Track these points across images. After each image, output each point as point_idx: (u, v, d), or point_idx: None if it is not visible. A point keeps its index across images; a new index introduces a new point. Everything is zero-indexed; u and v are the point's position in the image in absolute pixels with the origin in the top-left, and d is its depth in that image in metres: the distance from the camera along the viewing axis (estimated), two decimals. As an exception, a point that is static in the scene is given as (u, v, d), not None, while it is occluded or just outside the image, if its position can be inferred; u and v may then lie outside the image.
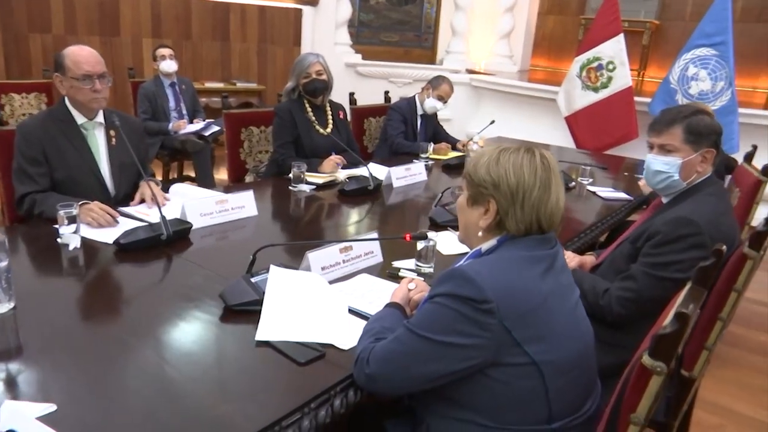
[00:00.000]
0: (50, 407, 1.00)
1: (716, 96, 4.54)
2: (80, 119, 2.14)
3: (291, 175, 2.57)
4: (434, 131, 3.92)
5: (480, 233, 1.20)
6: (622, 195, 2.87)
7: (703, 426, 2.29)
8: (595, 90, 5.11)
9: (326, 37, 7.13)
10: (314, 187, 2.58)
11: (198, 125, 4.39)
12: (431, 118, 3.90)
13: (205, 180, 4.16)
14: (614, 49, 4.97)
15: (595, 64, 5.09)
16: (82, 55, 2.06)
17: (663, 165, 1.74)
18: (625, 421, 0.93)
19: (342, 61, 7.16)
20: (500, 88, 6.45)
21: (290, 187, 2.56)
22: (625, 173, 3.36)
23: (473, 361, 1.06)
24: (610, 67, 5.02)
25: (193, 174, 4.46)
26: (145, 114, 4.32)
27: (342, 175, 2.73)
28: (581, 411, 1.16)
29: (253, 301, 1.38)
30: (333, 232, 2.22)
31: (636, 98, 5.07)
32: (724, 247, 1.23)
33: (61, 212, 1.74)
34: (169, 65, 4.37)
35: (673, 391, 1.67)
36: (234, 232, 2.03)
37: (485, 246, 1.19)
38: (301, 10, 6.81)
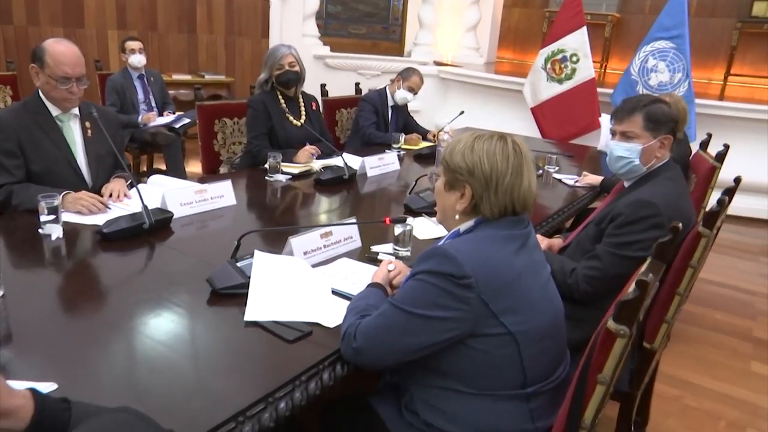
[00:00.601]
0: (51, 386, 1.04)
1: (674, 87, 4.73)
2: (55, 111, 2.14)
3: (267, 166, 2.61)
4: (405, 122, 3.99)
5: (457, 216, 1.28)
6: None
7: (664, 397, 2.43)
8: (560, 81, 5.26)
9: (294, 28, 7.12)
10: (290, 176, 2.63)
11: (168, 118, 4.37)
12: (402, 109, 3.97)
13: (176, 172, 4.14)
14: (578, 42, 5.12)
15: (559, 56, 5.23)
16: (65, 56, 2.04)
17: (624, 151, 1.85)
18: (593, 381, 1.02)
19: (311, 53, 7.16)
20: (468, 80, 6.56)
21: (266, 177, 2.60)
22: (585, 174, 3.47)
23: (454, 333, 1.14)
24: (574, 59, 5.16)
25: (163, 167, 4.44)
26: (114, 107, 4.26)
27: (317, 165, 2.78)
28: (553, 377, 1.25)
29: (240, 284, 1.43)
30: (310, 220, 2.27)
31: (599, 89, 5.23)
32: (681, 225, 1.33)
33: (42, 203, 1.75)
34: (138, 59, 4.33)
35: (636, 363, 1.79)
36: (214, 221, 2.07)
37: (463, 227, 1.27)
38: (268, 1, 6.77)
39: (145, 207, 1.83)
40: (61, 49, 2.06)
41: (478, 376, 1.18)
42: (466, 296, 1.12)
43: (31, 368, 1.14)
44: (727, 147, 2.75)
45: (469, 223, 1.26)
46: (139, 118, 4.30)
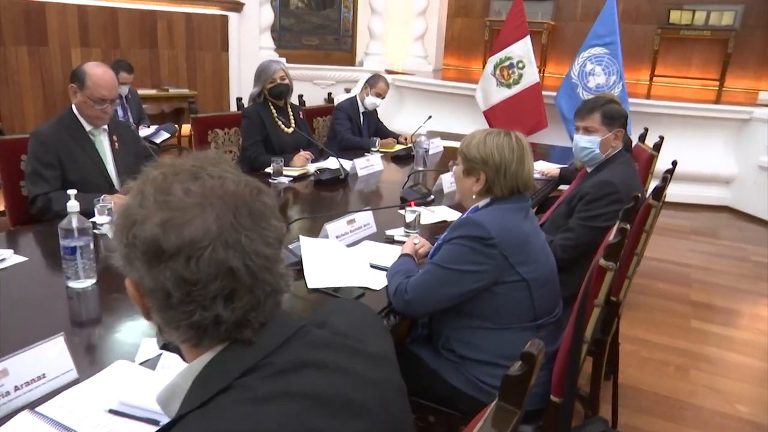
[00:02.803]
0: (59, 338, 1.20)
1: (610, 88, 5.28)
2: (88, 126, 2.38)
3: (270, 170, 2.90)
4: (376, 127, 4.34)
5: (474, 196, 1.65)
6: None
7: (624, 353, 2.85)
8: (509, 86, 5.75)
9: (252, 41, 7.37)
10: (291, 179, 2.94)
11: (147, 131, 4.56)
12: (372, 115, 4.32)
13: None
14: (523, 49, 5.63)
15: (507, 63, 5.72)
16: (103, 80, 2.27)
17: (587, 143, 2.28)
18: (591, 305, 1.40)
19: (268, 65, 7.43)
20: (421, 87, 7.00)
21: (270, 180, 2.89)
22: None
23: (483, 282, 1.50)
24: (520, 65, 5.66)
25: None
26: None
27: (312, 167, 3.10)
28: (553, 313, 1.63)
29: (294, 262, 1.75)
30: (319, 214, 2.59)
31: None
32: (639, 194, 1.75)
33: (99, 205, 2.00)
34: (125, 90, 4.52)
35: (605, 314, 2.20)
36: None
37: (481, 203, 1.64)
38: (227, 16, 7.01)
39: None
40: (99, 73, 2.29)
41: (500, 315, 1.54)
42: (492, 253, 1.49)
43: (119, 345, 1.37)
44: (662, 138, 3.25)
45: (486, 200, 1.63)
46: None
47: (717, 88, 7.44)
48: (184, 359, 0.77)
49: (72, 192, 1.67)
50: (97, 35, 6.08)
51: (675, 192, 5.24)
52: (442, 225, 2.27)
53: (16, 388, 1.08)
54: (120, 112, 4.59)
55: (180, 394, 0.70)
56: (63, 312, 1.55)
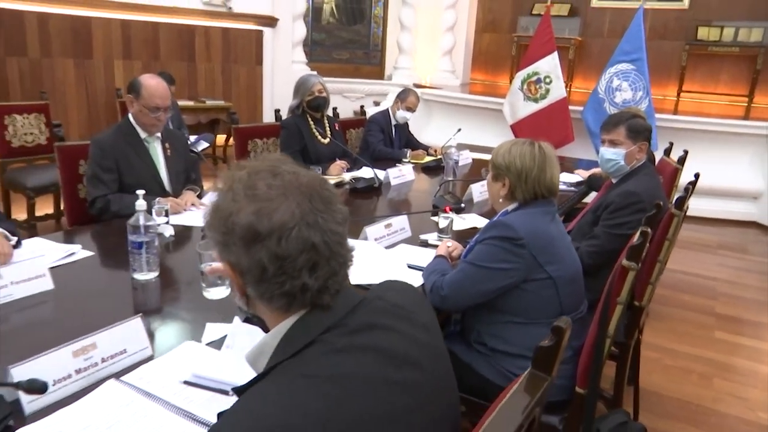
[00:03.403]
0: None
1: (636, 103, 5.37)
2: (143, 134, 2.57)
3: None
4: (407, 139, 4.50)
5: (501, 200, 1.78)
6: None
7: (647, 359, 2.94)
8: (536, 101, 5.86)
9: (284, 56, 7.63)
10: (328, 186, 3.09)
11: (188, 140, 4.77)
12: (403, 127, 4.48)
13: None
14: (550, 65, 5.74)
15: (534, 78, 5.84)
16: (158, 90, 2.47)
17: (613, 155, 2.39)
18: (614, 303, 1.52)
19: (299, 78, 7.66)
20: (449, 101, 7.14)
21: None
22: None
23: (513, 279, 1.62)
24: (547, 80, 5.78)
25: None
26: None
27: (347, 176, 3.25)
28: (578, 310, 1.75)
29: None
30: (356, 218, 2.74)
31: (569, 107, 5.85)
32: (662, 203, 1.85)
33: (158, 207, 2.18)
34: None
35: (628, 319, 2.29)
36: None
37: (510, 208, 1.77)
38: (261, 31, 7.27)
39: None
40: (154, 84, 2.48)
41: (529, 310, 1.66)
42: (521, 252, 1.61)
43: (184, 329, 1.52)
44: (686, 152, 3.33)
45: (514, 204, 1.76)
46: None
47: (746, 104, 7.43)
48: (265, 330, 0.92)
49: (140, 192, 1.84)
50: (138, 48, 6.37)
51: (702, 207, 5.30)
52: (473, 231, 2.40)
53: (103, 360, 1.24)
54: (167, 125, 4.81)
55: (268, 352, 0.84)
56: (129, 301, 1.71)
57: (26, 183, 3.93)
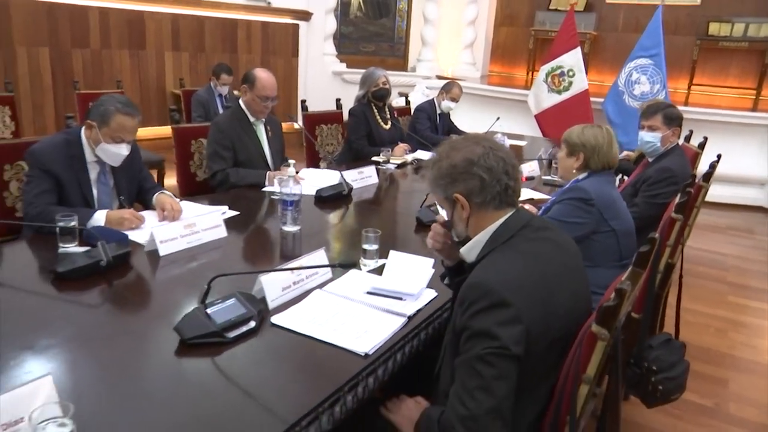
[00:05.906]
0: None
1: (654, 96, 5.82)
2: (251, 118, 3.04)
3: (380, 158, 3.55)
4: (449, 127, 4.97)
5: (574, 170, 2.26)
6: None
7: (669, 318, 3.43)
8: (559, 92, 6.32)
9: (317, 48, 8.07)
10: (395, 165, 3.57)
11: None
12: (447, 116, 4.95)
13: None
14: (573, 59, 6.20)
15: (558, 72, 6.30)
16: (269, 83, 2.94)
17: (651, 138, 2.87)
18: (664, 245, 2.00)
19: (330, 69, 8.13)
20: (472, 92, 7.59)
21: (378, 166, 3.50)
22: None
23: (584, 230, 2.11)
24: (570, 73, 6.24)
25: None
26: (200, 117, 5.14)
27: (409, 157, 3.73)
28: (632, 258, 2.22)
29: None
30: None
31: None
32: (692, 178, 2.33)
33: (277, 179, 2.65)
34: (225, 90, 5.32)
35: (662, 273, 2.77)
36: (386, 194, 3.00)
37: (580, 177, 2.24)
38: (297, 24, 7.71)
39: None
40: (265, 77, 2.95)
41: (596, 256, 2.14)
42: (591, 210, 2.09)
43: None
44: (705, 139, 3.80)
45: (584, 174, 2.23)
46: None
47: (754, 97, 7.87)
48: (455, 276, 1.45)
49: (291, 161, 2.33)
50: (186, 41, 6.82)
51: (713, 192, 5.72)
52: (528, 201, 2.86)
53: (307, 276, 1.72)
54: (219, 109, 5.29)
55: (479, 246, 1.34)
56: (279, 247, 2.19)
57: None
